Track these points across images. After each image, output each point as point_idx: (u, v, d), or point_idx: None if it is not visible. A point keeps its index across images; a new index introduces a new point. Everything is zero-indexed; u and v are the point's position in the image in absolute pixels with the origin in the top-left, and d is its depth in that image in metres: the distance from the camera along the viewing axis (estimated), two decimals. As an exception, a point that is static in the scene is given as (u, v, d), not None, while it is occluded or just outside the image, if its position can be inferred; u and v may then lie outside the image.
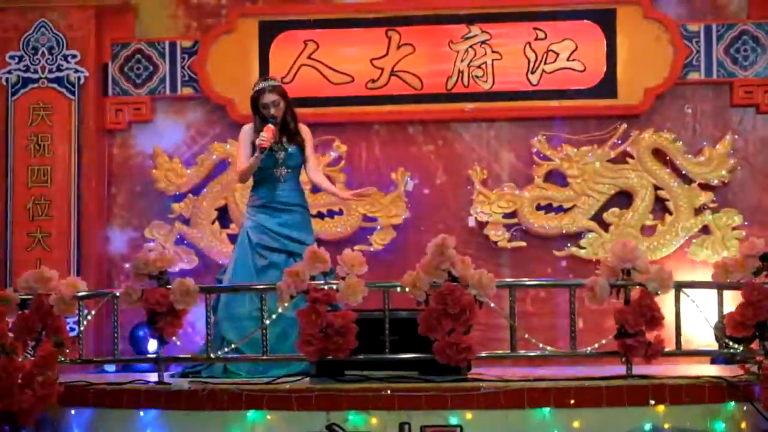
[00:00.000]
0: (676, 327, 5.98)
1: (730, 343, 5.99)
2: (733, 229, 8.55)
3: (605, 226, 8.66)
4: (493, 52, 8.77)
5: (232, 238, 8.70)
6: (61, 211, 8.66)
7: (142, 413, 5.75)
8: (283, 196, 7.08)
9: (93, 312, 6.43)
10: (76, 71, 8.75)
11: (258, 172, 7.09)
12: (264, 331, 5.98)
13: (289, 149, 7.09)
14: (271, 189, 7.10)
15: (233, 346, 6.33)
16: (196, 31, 9.06)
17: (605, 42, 8.69)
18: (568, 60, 8.73)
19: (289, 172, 7.12)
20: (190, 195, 8.86)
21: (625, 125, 8.66)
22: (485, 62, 8.77)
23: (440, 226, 8.51)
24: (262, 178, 7.13)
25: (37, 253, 8.58)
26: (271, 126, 6.96)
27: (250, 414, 5.56)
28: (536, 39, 8.74)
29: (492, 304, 5.78)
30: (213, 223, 8.83)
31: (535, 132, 8.74)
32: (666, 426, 5.48)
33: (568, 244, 8.68)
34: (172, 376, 6.51)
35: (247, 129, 7.20)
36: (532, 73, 8.74)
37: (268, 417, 5.54)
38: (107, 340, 7.47)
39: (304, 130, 7.28)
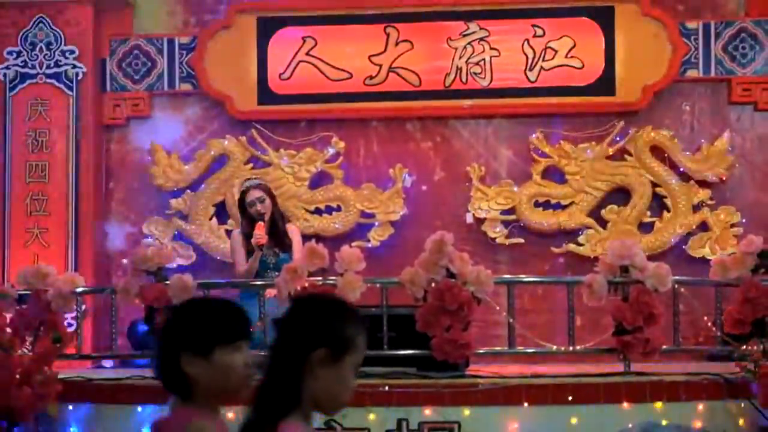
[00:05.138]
0: (674, 324, 5.99)
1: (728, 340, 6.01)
2: (731, 226, 8.55)
3: (603, 222, 8.65)
4: (491, 48, 8.76)
5: (230, 234, 8.70)
6: (59, 206, 8.64)
7: (140, 408, 5.76)
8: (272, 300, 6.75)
9: (91, 307, 6.43)
10: (74, 67, 8.74)
11: None
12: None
13: (281, 255, 7.22)
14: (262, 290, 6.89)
15: None
16: (195, 27, 9.05)
17: (603, 39, 8.68)
18: (566, 57, 8.72)
19: (278, 275, 7.00)
20: (188, 191, 8.85)
21: (623, 122, 8.65)
22: (483, 59, 8.77)
23: (438, 223, 8.48)
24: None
25: (35, 249, 8.56)
26: (261, 223, 7.14)
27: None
28: (534, 36, 8.73)
29: (490, 301, 5.78)
30: (211, 219, 8.82)
31: (533, 129, 8.73)
32: (664, 423, 5.49)
33: (566, 241, 8.67)
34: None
35: (237, 234, 7.44)
36: (531, 70, 8.73)
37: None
38: (105, 336, 7.47)
39: (293, 231, 7.49)
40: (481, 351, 5.94)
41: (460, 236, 7.99)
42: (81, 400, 5.88)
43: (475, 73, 8.75)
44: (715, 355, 7.05)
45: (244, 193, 7.39)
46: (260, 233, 7.10)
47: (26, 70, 8.75)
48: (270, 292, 6.49)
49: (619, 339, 5.77)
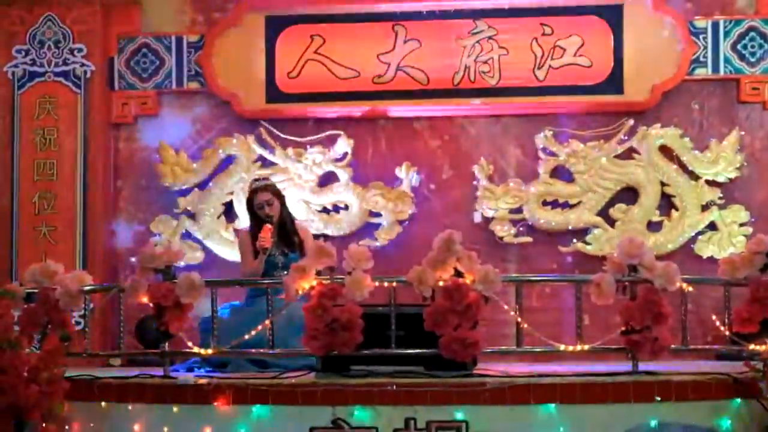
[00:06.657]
0: (683, 323, 5.98)
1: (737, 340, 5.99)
2: (740, 225, 8.53)
3: (611, 221, 8.64)
4: (499, 47, 8.76)
5: (238, 233, 8.70)
6: (67, 204, 8.65)
7: (147, 407, 5.75)
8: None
9: (98, 306, 6.43)
10: (83, 65, 8.75)
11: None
12: (270, 326, 5.98)
13: (291, 255, 7.20)
14: (272, 291, 6.57)
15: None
16: (203, 25, 9.05)
17: (612, 38, 8.67)
18: (574, 56, 8.71)
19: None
20: (196, 189, 8.85)
21: (631, 121, 8.64)
22: (492, 57, 8.76)
23: (446, 222, 8.47)
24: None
25: (43, 247, 8.57)
26: (268, 226, 7.13)
27: (256, 408, 5.56)
28: (543, 34, 8.72)
29: (498, 300, 5.77)
30: (219, 217, 8.82)
31: (542, 127, 8.73)
32: (672, 422, 5.47)
33: (574, 240, 8.66)
34: (176, 370, 6.51)
35: (245, 233, 7.45)
36: (539, 68, 8.72)
37: (274, 412, 5.54)
38: (113, 334, 7.47)
39: (304, 230, 7.51)
40: (489, 350, 5.93)
41: (468, 235, 7.98)
42: (88, 399, 5.87)
43: (484, 72, 8.74)
44: (723, 355, 7.04)
45: (251, 194, 7.38)
46: (264, 237, 7.08)
47: (34, 68, 8.76)
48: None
49: (627, 338, 5.75)
